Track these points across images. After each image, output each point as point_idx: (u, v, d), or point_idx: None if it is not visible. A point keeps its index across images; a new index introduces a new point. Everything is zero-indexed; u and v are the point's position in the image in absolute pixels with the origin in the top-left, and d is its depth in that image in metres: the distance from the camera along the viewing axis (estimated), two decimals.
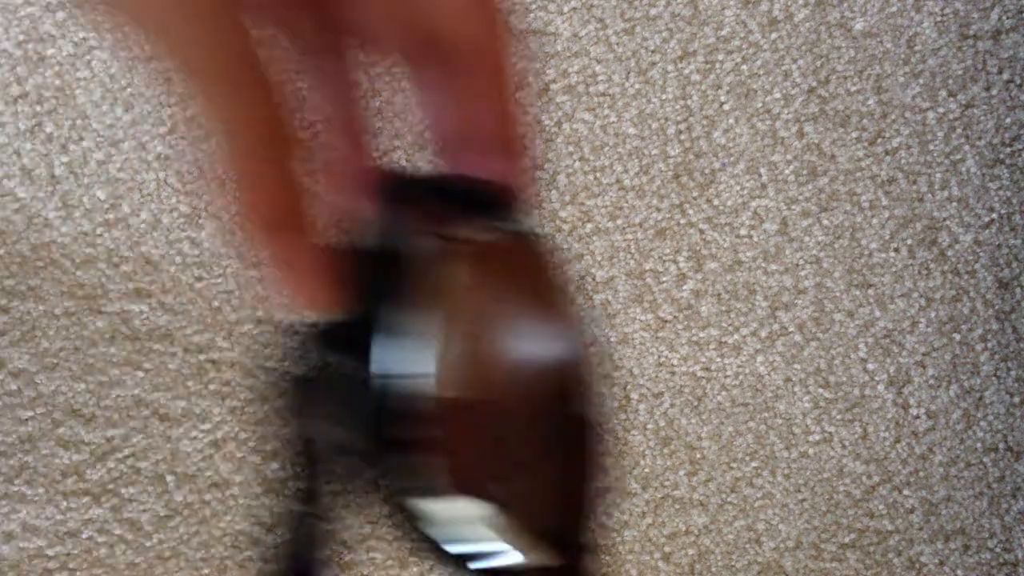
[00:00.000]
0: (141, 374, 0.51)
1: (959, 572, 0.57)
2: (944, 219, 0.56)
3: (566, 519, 0.26)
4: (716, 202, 0.54)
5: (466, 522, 0.23)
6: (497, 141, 0.22)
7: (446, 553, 0.24)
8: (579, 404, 0.25)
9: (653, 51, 0.54)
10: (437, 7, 0.20)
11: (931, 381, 0.57)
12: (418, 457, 0.21)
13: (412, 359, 0.21)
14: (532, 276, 0.24)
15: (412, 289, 0.21)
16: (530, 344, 0.24)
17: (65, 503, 0.51)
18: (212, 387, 0.52)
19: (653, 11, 0.54)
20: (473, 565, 0.24)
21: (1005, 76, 0.56)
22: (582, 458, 0.25)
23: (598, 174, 0.53)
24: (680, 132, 0.54)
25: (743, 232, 0.55)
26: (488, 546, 0.24)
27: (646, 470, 0.55)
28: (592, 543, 0.25)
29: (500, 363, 0.24)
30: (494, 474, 0.24)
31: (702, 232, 0.54)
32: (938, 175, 0.56)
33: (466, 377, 0.22)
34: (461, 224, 0.22)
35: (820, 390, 0.56)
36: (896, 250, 0.56)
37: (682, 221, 0.54)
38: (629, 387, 0.55)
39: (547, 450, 0.25)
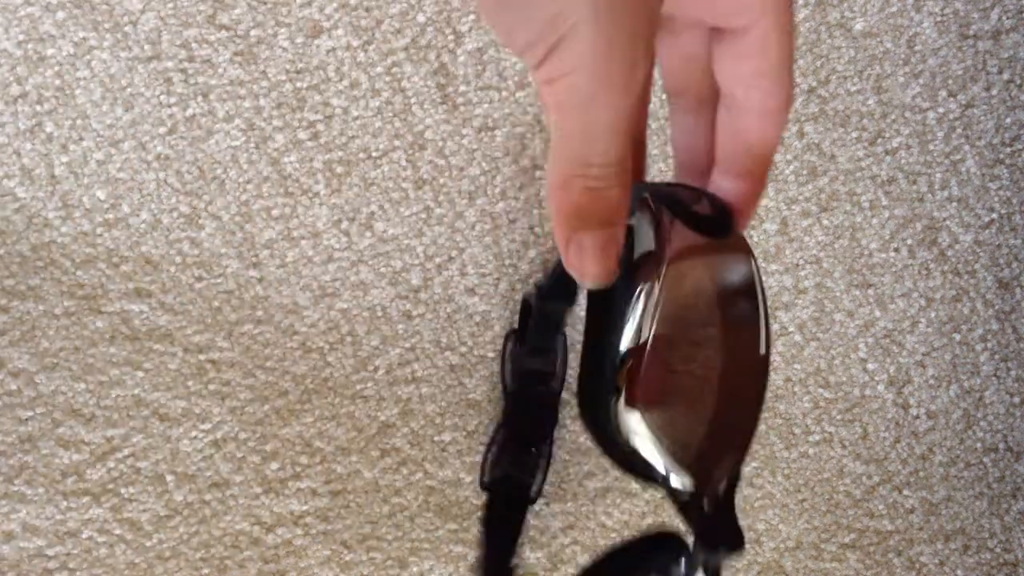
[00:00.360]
0: (141, 374, 0.51)
1: (959, 572, 0.58)
2: (944, 219, 0.56)
3: (714, 450, 0.33)
4: None
5: (631, 432, 0.31)
6: (752, 170, 0.29)
7: (615, 455, 0.32)
8: (755, 345, 0.33)
9: None
10: (745, 78, 0.27)
11: (931, 381, 0.57)
12: (614, 377, 0.30)
13: (631, 321, 0.30)
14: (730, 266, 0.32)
15: (637, 268, 0.30)
16: (722, 288, 0.32)
17: (65, 503, 0.51)
18: (212, 387, 0.52)
19: None
20: (631, 471, 0.32)
21: (1005, 76, 0.56)
22: (746, 395, 0.33)
23: None
24: None
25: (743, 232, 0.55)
26: (644, 455, 0.31)
27: None
28: (733, 478, 0.33)
29: (688, 314, 0.31)
30: (664, 397, 0.32)
31: None
32: (938, 175, 0.56)
33: (664, 333, 0.30)
34: (684, 227, 0.30)
35: (820, 390, 0.56)
36: (896, 250, 0.56)
37: None
38: None
39: (720, 384, 0.33)
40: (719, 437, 0.33)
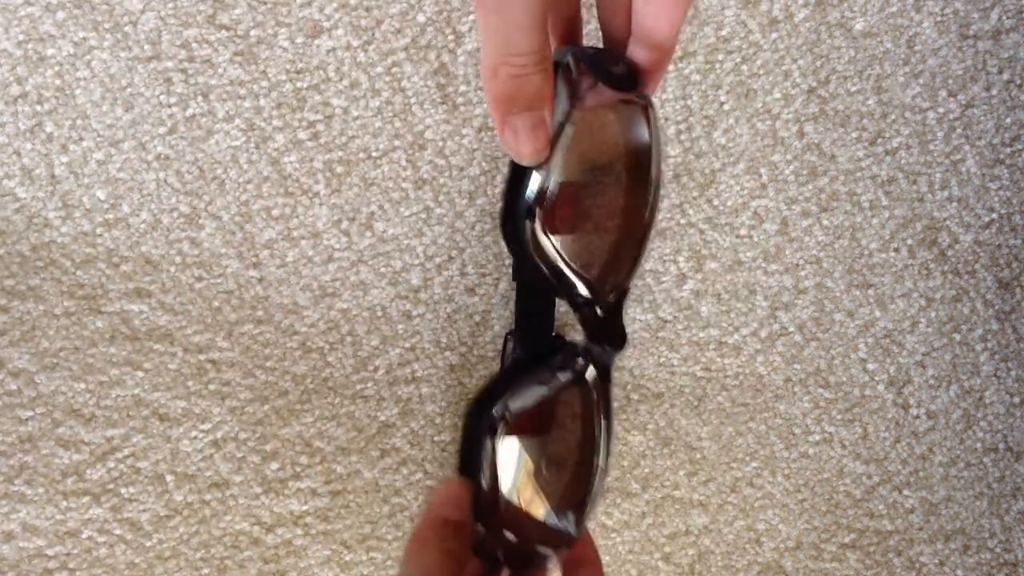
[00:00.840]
0: (141, 374, 0.51)
1: (959, 572, 0.58)
2: (944, 219, 0.56)
3: (607, 268, 0.40)
4: (716, 202, 0.54)
5: (543, 248, 0.38)
6: (659, 45, 0.34)
7: (528, 267, 0.39)
8: (647, 184, 0.39)
9: None
10: None
11: (931, 381, 0.57)
12: (533, 214, 0.37)
13: (543, 172, 0.36)
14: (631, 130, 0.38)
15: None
16: (624, 134, 0.38)
17: (65, 503, 0.51)
18: (212, 387, 0.52)
19: None
20: (541, 281, 0.40)
21: (1005, 76, 0.56)
22: (636, 228, 0.40)
23: None
24: (680, 132, 0.54)
25: (743, 232, 0.55)
26: (554, 266, 0.39)
27: (646, 470, 0.55)
28: (621, 293, 0.41)
29: (594, 154, 0.38)
30: (570, 222, 0.39)
31: (702, 232, 0.54)
32: (938, 175, 0.56)
33: (572, 169, 0.37)
34: (603, 85, 0.36)
35: (820, 390, 0.56)
36: (896, 250, 0.56)
37: (682, 221, 0.54)
38: (629, 388, 0.55)
39: (618, 217, 0.40)
40: (612, 259, 0.40)
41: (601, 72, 0.36)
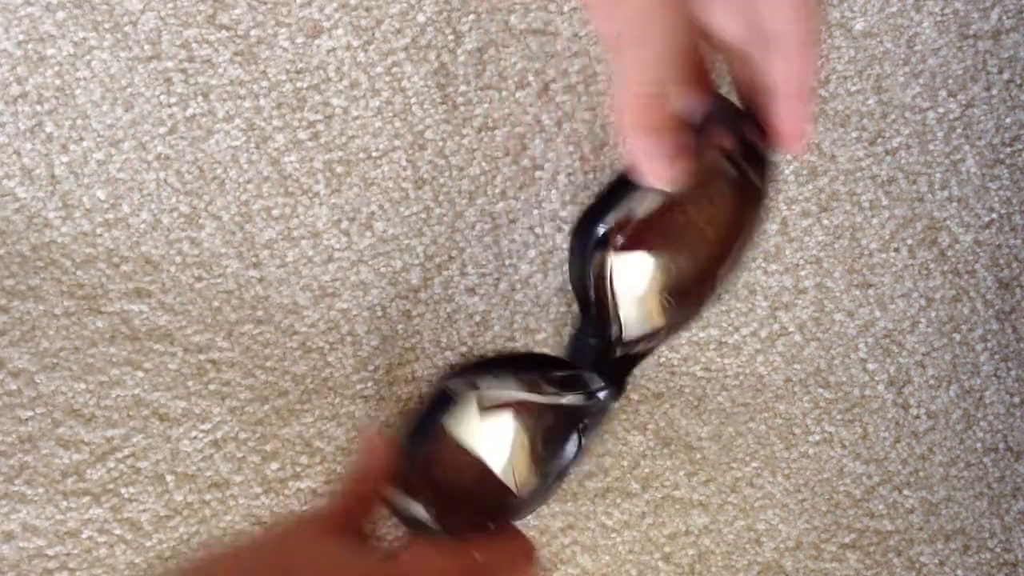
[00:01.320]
0: (141, 374, 0.51)
1: (959, 572, 0.58)
2: (944, 219, 0.56)
3: (646, 323, 0.41)
4: None
5: (631, 269, 0.39)
6: (793, 94, 0.35)
7: (583, 284, 0.40)
8: (724, 264, 0.40)
9: None
10: (774, 16, 0.33)
11: (931, 381, 0.57)
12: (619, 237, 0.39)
13: (634, 200, 0.38)
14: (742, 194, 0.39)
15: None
16: (720, 208, 0.39)
17: (65, 503, 0.51)
18: (212, 387, 0.52)
19: None
20: (583, 300, 0.41)
21: (1005, 76, 0.56)
22: (694, 302, 0.41)
23: (598, 174, 0.53)
24: None
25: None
26: (608, 293, 0.39)
27: (646, 470, 0.55)
28: (644, 352, 0.42)
29: (694, 213, 0.39)
30: (659, 246, 0.39)
31: None
32: (938, 175, 0.56)
33: (671, 207, 0.38)
34: (732, 149, 0.37)
35: (820, 390, 0.56)
36: (896, 250, 0.56)
37: None
38: (630, 387, 0.55)
39: (690, 284, 0.40)
40: (661, 320, 0.41)
41: (734, 134, 0.36)
